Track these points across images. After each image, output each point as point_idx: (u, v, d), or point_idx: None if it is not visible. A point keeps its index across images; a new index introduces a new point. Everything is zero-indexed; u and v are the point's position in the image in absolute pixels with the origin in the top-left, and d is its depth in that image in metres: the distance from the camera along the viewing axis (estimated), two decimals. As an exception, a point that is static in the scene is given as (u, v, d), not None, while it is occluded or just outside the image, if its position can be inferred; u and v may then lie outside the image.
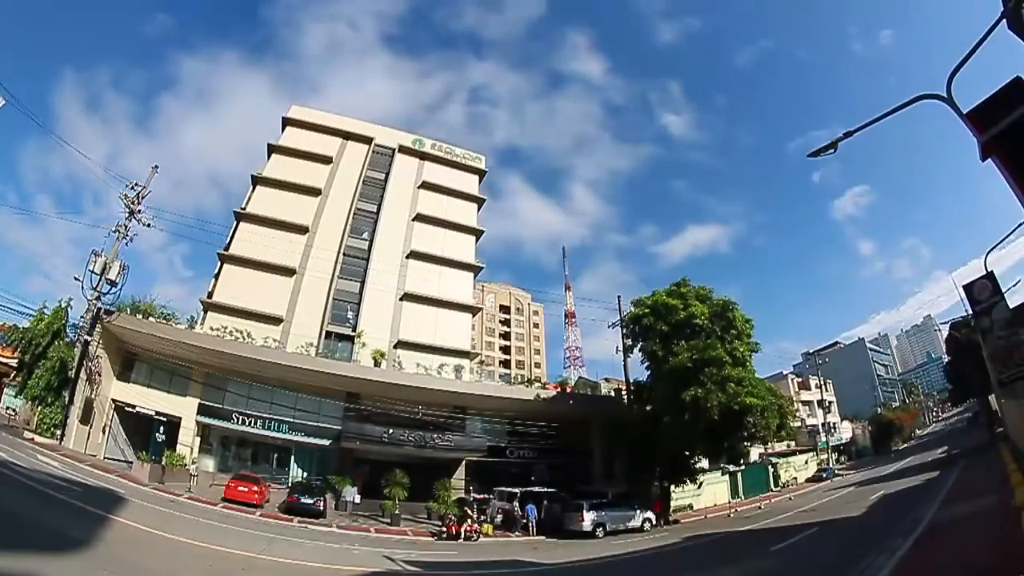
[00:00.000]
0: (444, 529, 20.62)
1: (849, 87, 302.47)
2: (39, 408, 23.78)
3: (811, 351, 78.92)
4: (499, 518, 24.13)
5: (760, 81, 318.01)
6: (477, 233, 41.61)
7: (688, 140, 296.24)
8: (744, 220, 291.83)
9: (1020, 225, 14.31)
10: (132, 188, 26.58)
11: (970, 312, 21.67)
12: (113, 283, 24.98)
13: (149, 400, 25.90)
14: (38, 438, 22.12)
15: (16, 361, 26.07)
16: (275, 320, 31.61)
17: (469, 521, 20.29)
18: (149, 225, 27.02)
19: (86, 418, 23.48)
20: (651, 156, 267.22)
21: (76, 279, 23.95)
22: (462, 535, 19.78)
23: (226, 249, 33.84)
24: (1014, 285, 29.29)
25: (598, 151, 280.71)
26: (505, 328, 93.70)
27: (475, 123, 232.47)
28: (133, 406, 25.67)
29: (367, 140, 41.32)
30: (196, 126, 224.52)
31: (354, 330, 33.02)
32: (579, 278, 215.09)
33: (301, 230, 34.96)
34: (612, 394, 40.14)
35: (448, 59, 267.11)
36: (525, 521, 23.46)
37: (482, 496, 25.62)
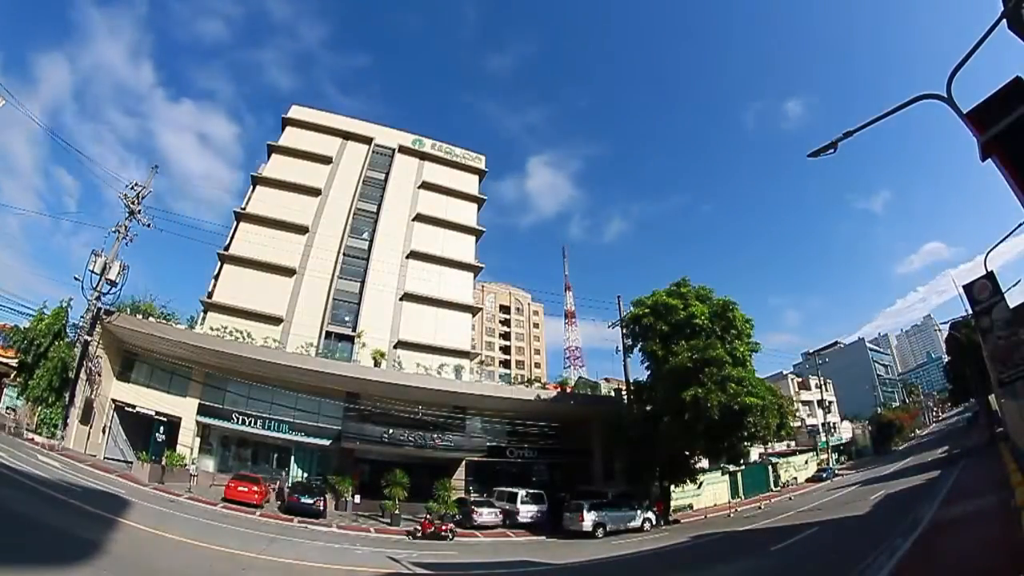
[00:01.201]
0: (419, 528, 20.66)
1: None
2: (39, 408, 23.72)
3: (811, 351, 78.93)
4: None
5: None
6: (477, 233, 41.63)
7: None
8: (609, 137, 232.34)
9: (1020, 225, 14.34)
10: (132, 188, 26.62)
11: (970, 312, 21.68)
12: (113, 283, 25.00)
13: (149, 400, 25.88)
14: (38, 438, 22.10)
15: (17, 361, 26.05)
16: (275, 320, 31.62)
17: (439, 521, 20.44)
18: (149, 225, 27.02)
19: (86, 418, 23.49)
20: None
21: (76, 279, 24.01)
22: (436, 533, 19.84)
23: (226, 249, 33.84)
24: (1014, 285, 29.25)
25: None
26: (505, 328, 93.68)
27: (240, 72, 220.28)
28: (133, 406, 25.65)
29: (367, 140, 41.35)
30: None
31: (354, 330, 33.02)
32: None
33: (301, 230, 34.97)
34: (612, 394, 40.13)
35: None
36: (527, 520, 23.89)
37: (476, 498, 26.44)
